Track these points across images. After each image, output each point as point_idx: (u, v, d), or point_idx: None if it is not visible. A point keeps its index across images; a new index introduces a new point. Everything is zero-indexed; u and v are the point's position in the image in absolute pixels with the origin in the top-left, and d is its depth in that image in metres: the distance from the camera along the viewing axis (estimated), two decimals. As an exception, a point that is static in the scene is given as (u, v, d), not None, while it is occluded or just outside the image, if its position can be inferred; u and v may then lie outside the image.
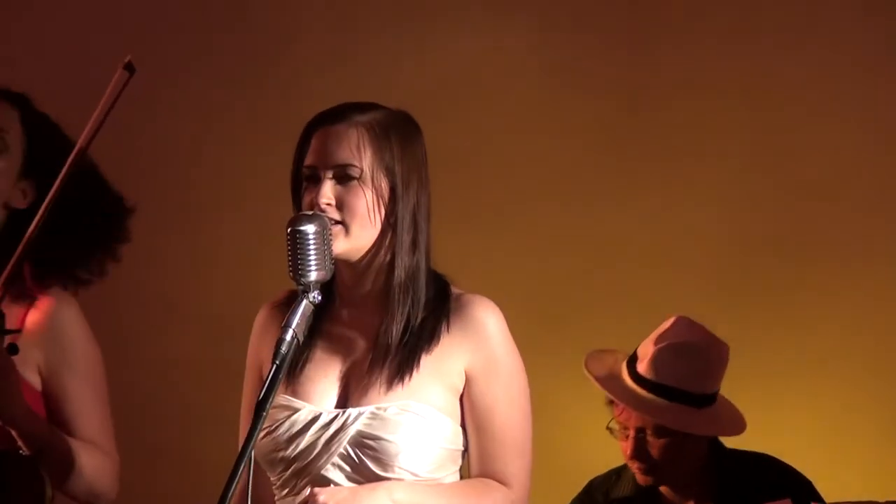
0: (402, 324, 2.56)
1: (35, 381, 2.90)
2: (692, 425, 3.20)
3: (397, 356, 2.54)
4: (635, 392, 3.24)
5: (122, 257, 2.91)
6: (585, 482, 3.54)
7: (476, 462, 2.58)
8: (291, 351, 2.41)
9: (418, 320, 2.56)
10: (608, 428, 3.29)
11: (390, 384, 2.53)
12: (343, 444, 2.52)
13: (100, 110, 2.71)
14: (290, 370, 2.57)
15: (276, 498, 2.60)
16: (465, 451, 2.60)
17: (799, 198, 3.73)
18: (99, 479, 2.89)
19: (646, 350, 3.27)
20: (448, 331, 2.56)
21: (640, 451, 3.23)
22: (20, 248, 2.76)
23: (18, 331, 2.81)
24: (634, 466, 3.26)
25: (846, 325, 3.67)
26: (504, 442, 2.56)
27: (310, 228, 2.44)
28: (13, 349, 2.78)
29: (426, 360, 2.55)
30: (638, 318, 3.49)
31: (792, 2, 3.79)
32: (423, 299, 2.57)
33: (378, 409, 2.52)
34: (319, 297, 2.44)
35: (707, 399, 3.25)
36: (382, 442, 2.51)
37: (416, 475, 2.52)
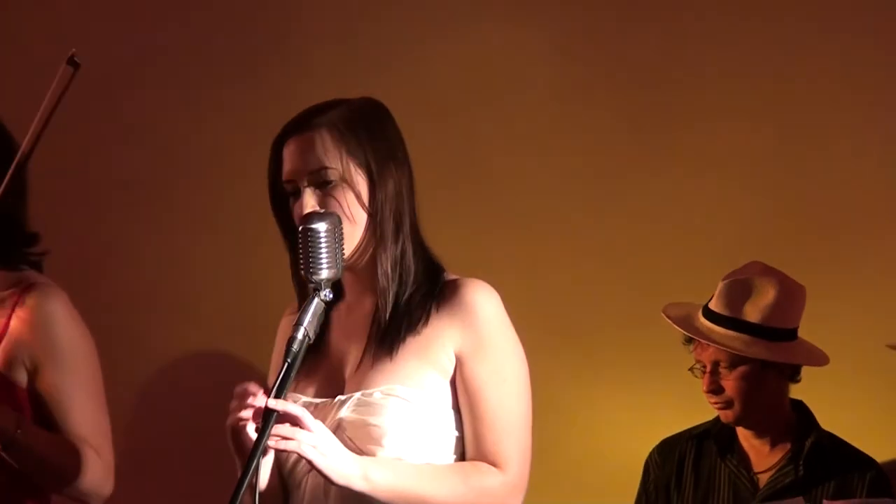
0: (391, 307, 2.56)
1: (21, 378, 2.90)
2: (755, 352, 3.24)
3: (385, 339, 2.55)
4: (706, 326, 3.29)
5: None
6: (591, 480, 3.58)
7: (470, 447, 2.57)
8: (303, 349, 2.41)
9: (404, 300, 2.56)
10: (690, 369, 3.33)
11: (379, 367, 2.54)
12: (333, 431, 2.51)
13: (45, 107, 2.72)
14: (301, 367, 2.55)
15: (289, 493, 2.60)
16: (462, 438, 2.58)
17: (827, 180, 3.72)
18: (86, 478, 2.87)
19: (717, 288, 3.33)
20: (437, 312, 2.56)
21: (715, 385, 3.28)
22: None
23: None
24: (712, 402, 3.30)
25: (877, 308, 3.67)
26: (494, 424, 2.55)
27: (322, 227, 2.44)
28: None
29: (413, 342, 2.55)
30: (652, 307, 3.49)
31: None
32: (410, 280, 2.57)
33: (364, 394, 2.54)
34: (331, 296, 2.44)
35: (780, 333, 3.28)
36: (368, 427, 2.52)
37: (409, 460, 2.52)
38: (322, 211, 2.52)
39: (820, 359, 3.33)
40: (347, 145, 2.56)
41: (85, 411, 2.90)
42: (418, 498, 2.51)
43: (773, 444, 3.32)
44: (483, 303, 2.57)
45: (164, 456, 3.80)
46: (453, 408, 2.58)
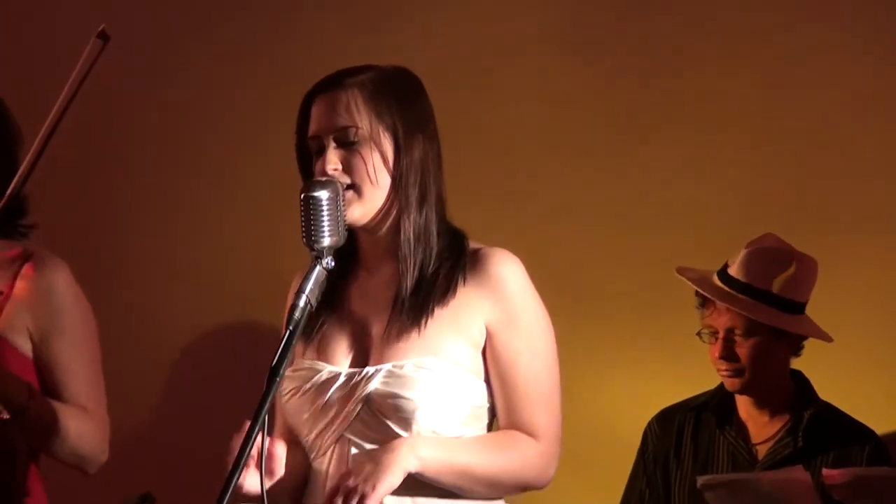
0: (416, 277, 2.56)
1: (25, 346, 2.91)
2: (781, 323, 3.23)
3: (412, 310, 2.55)
4: (726, 290, 3.27)
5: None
6: (598, 444, 3.60)
7: (503, 417, 2.58)
8: (304, 317, 2.42)
9: (430, 271, 2.56)
10: (697, 334, 3.32)
11: (407, 339, 2.54)
12: (361, 404, 2.53)
13: (73, 80, 2.72)
14: (314, 334, 2.60)
15: (310, 461, 2.61)
16: (492, 409, 2.59)
17: (818, 168, 3.73)
18: (85, 443, 2.90)
19: (736, 256, 3.32)
20: (465, 284, 2.56)
21: (728, 352, 3.26)
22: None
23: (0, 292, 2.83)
24: (722, 368, 3.28)
25: (867, 299, 3.68)
26: (529, 394, 2.56)
27: (323, 194, 2.44)
28: None
29: (442, 314, 2.55)
30: (652, 286, 3.50)
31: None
32: (435, 251, 2.57)
33: (395, 366, 2.53)
34: (333, 263, 2.43)
35: (795, 306, 3.29)
36: (400, 400, 2.52)
37: (437, 433, 2.53)
38: (323, 179, 2.51)
39: (825, 333, 3.34)
40: (377, 107, 2.56)
41: (86, 379, 2.92)
42: (464, 470, 2.52)
43: (772, 416, 3.31)
44: (511, 274, 2.57)
45: (175, 422, 3.84)
46: (484, 379, 2.59)
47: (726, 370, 3.29)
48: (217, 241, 3.85)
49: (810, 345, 3.36)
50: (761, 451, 3.31)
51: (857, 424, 3.32)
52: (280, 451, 2.51)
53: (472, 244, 2.62)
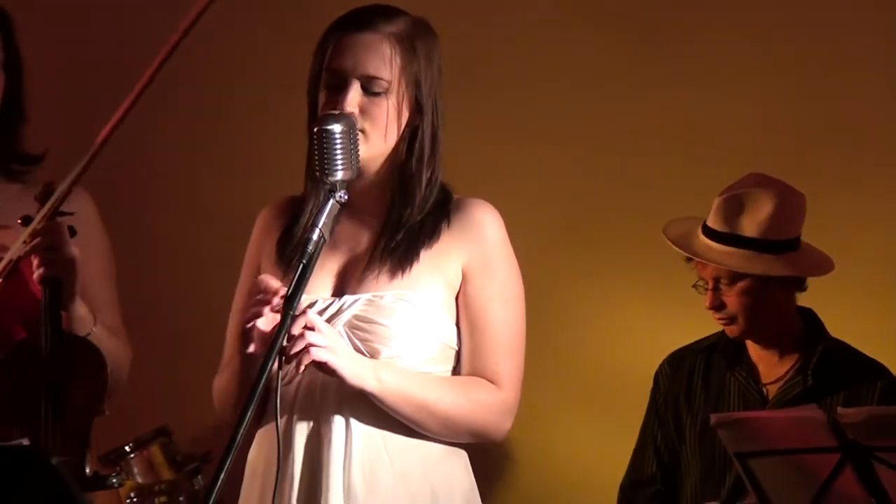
0: (405, 223, 2.58)
1: None
2: (758, 266, 3.22)
3: (397, 250, 2.57)
4: (704, 244, 3.27)
5: None
6: (606, 386, 3.60)
7: (467, 361, 2.60)
8: (319, 251, 2.43)
9: (419, 219, 2.58)
10: (694, 286, 3.31)
11: (390, 275, 2.56)
12: (338, 328, 2.54)
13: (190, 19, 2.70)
14: (289, 263, 2.59)
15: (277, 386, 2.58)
16: (458, 354, 2.61)
17: (842, 92, 3.71)
18: (120, 365, 2.95)
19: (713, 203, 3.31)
20: (448, 228, 2.59)
21: (717, 301, 3.25)
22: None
23: (73, 213, 2.84)
24: (716, 318, 3.28)
25: (889, 228, 3.66)
26: (496, 341, 2.58)
27: (337, 128, 2.45)
28: (73, 231, 2.82)
29: (425, 255, 2.58)
30: (663, 215, 3.49)
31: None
32: (431, 201, 2.60)
33: (375, 296, 2.56)
34: (346, 197, 2.45)
35: (777, 245, 3.25)
36: (377, 326, 2.54)
37: (409, 365, 2.55)
38: (337, 112, 2.51)
39: (823, 267, 3.30)
40: (408, 61, 2.57)
41: (114, 303, 2.98)
42: (421, 403, 2.54)
43: (782, 355, 3.30)
44: (490, 223, 2.61)
45: (184, 348, 3.86)
46: (455, 323, 2.61)
47: (720, 319, 3.28)
48: (239, 181, 3.86)
49: (821, 282, 3.33)
50: (772, 390, 3.31)
51: (869, 361, 3.30)
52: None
53: (455, 196, 2.64)
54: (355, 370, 2.49)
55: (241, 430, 2.32)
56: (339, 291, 2.60)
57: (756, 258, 3.24)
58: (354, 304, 2.56)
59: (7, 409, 2.82)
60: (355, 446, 2.52)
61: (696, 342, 3.42)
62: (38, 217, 2.79)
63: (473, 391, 2.57)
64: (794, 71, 3.72)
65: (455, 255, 2.59)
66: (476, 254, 2.59)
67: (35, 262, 2.79)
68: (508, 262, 2.62)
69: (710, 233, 3.28)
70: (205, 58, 3.89)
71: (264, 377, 2.35)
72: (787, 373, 3.29)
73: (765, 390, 3.32)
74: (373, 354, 2.54)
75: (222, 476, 2.27)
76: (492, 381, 2.58)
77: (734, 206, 3.26)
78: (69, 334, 2.83)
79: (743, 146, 3.71)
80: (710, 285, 3.27)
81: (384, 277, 2.57)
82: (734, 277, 3.24)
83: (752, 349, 3.34)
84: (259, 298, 2.47)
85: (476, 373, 2.59)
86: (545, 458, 3.80)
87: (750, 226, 3.25)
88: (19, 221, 2.82)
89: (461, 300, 2.60)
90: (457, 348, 2.61)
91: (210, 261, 3.82)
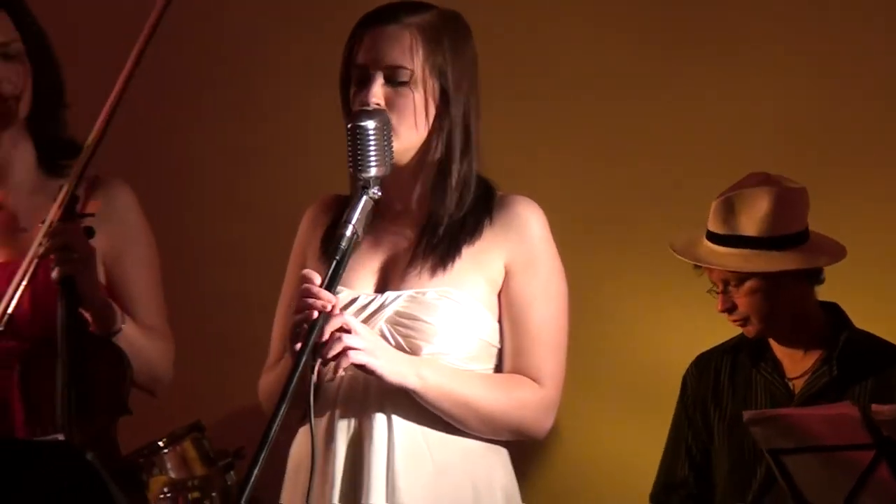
0: (448, 221, 2.57)
1: (99, 268, 2.94)
2: (757, 264, 3.21)
3: (439, 246, 2.56)
4: (708, 248, 3.27)
5: None
6: (629, 384, 3.59)
7: (510, 358, 2.60)
8: (351, 246, 2.43)
9: (461, 215, 2.58)
10: (708, 291, 3.31)
11: (432, 272, 2.56)
12: (379, 325, 2.54)
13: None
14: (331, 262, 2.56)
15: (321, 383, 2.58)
16: (500, 352, 2.61)
17: (862, 93, 3.69)
18: (160, 364, 2.96)
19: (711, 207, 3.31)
20: (490, 225, 2.58)
21: (728, 303, 3.25)
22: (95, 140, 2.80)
23: (92, 215, 2.86)
24: (730, 320, 3.28)
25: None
26: (539, 339, 2.58)
27: (370, 124, 2.45)
28: (90, 232, 2.83)
29: (467, 252, 2.57)
30: (688, 210, 3.48)
31: None
32: (470, 197, 2.59)
33: (417, 292, 2.55)
34: (379, 193, 2.45)
35: (780, 241, 3.24)
36: (420, 322, 2.53)
37: (450, 362, 2.54)
38: (371, 108, 2.51)
39: (831, 255, 3.28)
40: (433, 54, 2.55)
41: (155, 299, 2.99)
42: (463, 400, 2.53)
43: (806, 349, 3.28)
44: (534, 220, 2.60)
45: (223, 344, 3.88)
46: (498, 320, 2.60)
47: (734, 321, 3.28)
48: (282, 179, 3.88)
49: (844, 273, 3.31)
50: (798, 384, 3.29)
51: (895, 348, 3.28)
52: None
53: (499, 192, 2.64)
54: (395, 368, 2.49)
55: (275, 425, 2.32)
56: (381, 287, 2.59)
57: (758, 256, 3.22)
58: (396, 300, 2.55)
59: (30, 409, 2.83)
60: (397, 442, 2.51)
61: (721, 343, 3.42)
62: (49, 217, 2.80)
63: (515, 389, 2.57)
64: (817, 70, 3.70)
65: (498, 253, 2.58)
66: (519, 251, 2.58)
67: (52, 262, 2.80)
68: (551, 259, 2.61)
69: (711, 236, 3.28)
70: (244, 57, 3.92)
71: (297, 374, 2.36)
72: (812, 366, 3.28)
73: (791, 385, 3.30)
74: (414, 351, 2.54)
75: (256, 471, 2.28)
76: (534, 380, 2.58)
77: (731, 206, 3.25)
78: (89, 334, 2.84)
79: (774, 145, 3.70)
80: (720, 288, 3.27)
81: (426, 274, 2.56)
82: (741, 278, 3.23)
83: (775, 345, 3.33)
84: (308, 301, 2.44)
85: (518, 371, 2.58)
86: (580, 459, 3.79)
87: (749, 224, 3.23)
88: (41, 224, 2.84)
89: (504, 298, 2.59)
90: (499, 346, 2.61)
91: (249, 259, 3.83)
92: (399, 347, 2.54)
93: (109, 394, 2.84)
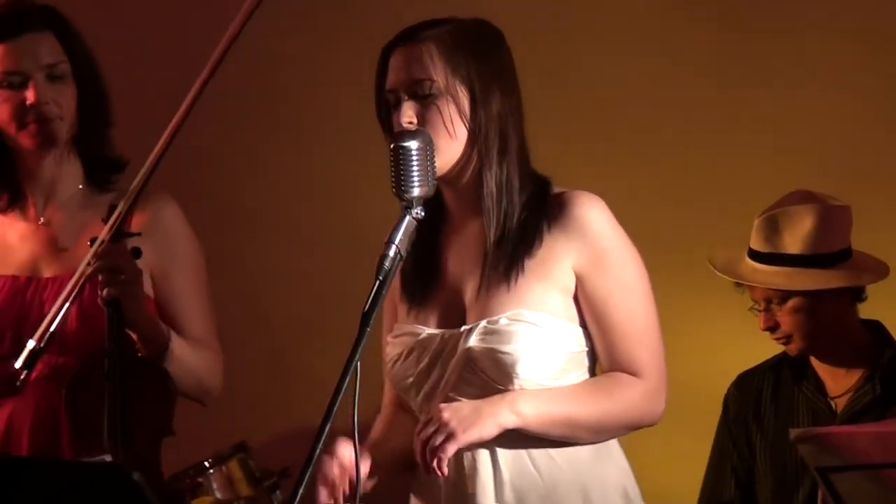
0: (500, 231, 2.55)
1: (147, 283, 2.95)
2: (801, 282, 3.20)
3: (501, 264, 2.54)
4: (749, 266, 3.26)
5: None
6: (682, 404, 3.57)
7: (605, 358, 2.57)
8: (395, 267, 2.43)
9: (514, 223, 2.55)
10: (750, 309, 3.30)
11: (498, 294, 2.53)
12: (461, 363, 2.53)
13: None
14: (415, 295, 2.60)
15: None
16: (591, 353, 2.58)
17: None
18: (209, 376, 2.96)
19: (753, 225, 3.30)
20: (549, 231, 2.55)
21: (771, 322, 3.25)
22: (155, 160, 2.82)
23: (139, 234, 2.87)
24: (773, 338, 3.27)
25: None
26: (626, 332, 2.55)
27: (413, 144, 2.45)
28: (137, 252, 2.85)
29: (531, 265, 2.54)
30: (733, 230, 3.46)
31: None
32: (517, 203, 2.55)
33: (489, 322, 2.52)
34: (422, 213, 2.45)
35: (822, 259, 3.24)
36: (498, 354, 2.51)
37: (539, 384, 2.52)
38: (414, 128, 2.51)
39: (874, 273, 3.27)
40: (453, 61, 2.54)
41: (203, 312, 2.99)
42: (569, 420, 2.52)
43: (848, 367, 3.27)
44: (594, 215, 2.55)
45: (268, 364, 3.89)
46: (580, 325, 2.57)
47: (776, 339, 3.27)
48: (340, 203, 3.90)
49: (888, 291, 3.29)
50: (840, 403, 3.29)
51: None
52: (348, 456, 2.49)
53: (555, 189, 2.60)
54: (490, 423, 2.48)
55: (320, 445, 2.32)
56: (457, 321, 2.57)
57: (801, 274, 3.22)
58: (472, 335, 2.53)
59: (76, 427, 2.85)
60: (504, 471, 2.51)
61: (763, 362, 3.41)
62: (100, 238, 2.82)
63: (617, 390, 2.54)
64: (860, 93, 3.69)
65: (563, 257, 2.54)
66: (584, 252, 2.54)
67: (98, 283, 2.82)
68: (620, 249, 2.56)
69: (754, 255, 3.27)
70: (303, 82, 3.93)
71: (339, 397, 2.36)
72: (855, 384, 3.27)
73: (833, 403, 3.30)
74: (500, 383, 2.52)
75: (301, 491, 2.28)
76: (632, 373, 2.54)
77: (774, 224, 3.25)
78: (134, 355, 2.85)
79: (816, 165, 3.68)
80: (762, 306, 3.26)
81: (494, 298, 2.54)
82: (784, 296, 3.23)
83: (817, 364, 3.32)
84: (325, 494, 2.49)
85: (615, 368, 2.55)
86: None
87: (792, 243, 3.23)
88: (88, 243, 2.85)
89: (581, 300, 2.55)
90: (587, 349, 2.57)
91: (302, 282, 3.84)
92: (487, 382, 2.53)
93: (154, 415, 2.85)
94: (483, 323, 2.53)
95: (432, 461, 2.47)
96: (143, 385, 2.84)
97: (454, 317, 2.58)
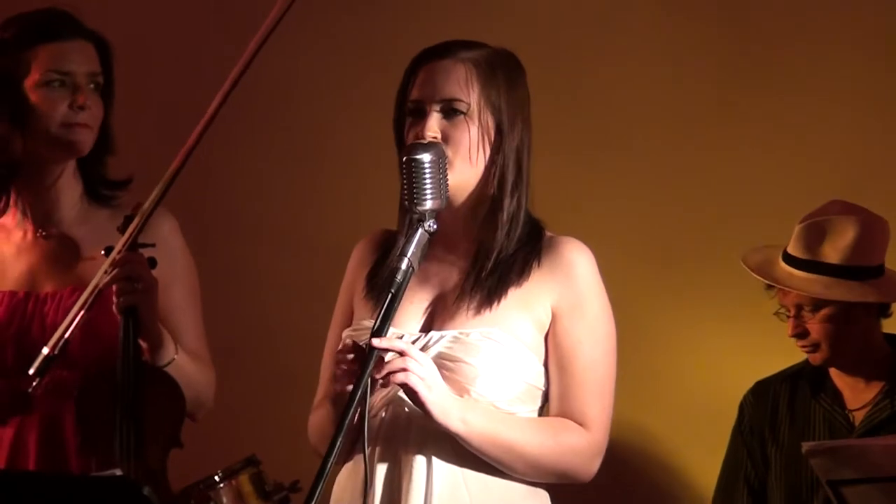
0: (495, 258, 2.56)
1: None
2: (839, 293, 3.20)
3: (486, 285, 2.55)
4: (785, 271, 3.25)
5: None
6: (691, 416, 3.57)
7: (556, 403, 2.57)
8: (407, 280, 2.43)
9: (509, 254, 2.56)
10: (775, 314, 3.29)
11: (477, 311, 2.54)
12: None
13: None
14: (378, 296, 2.59)
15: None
16: (545, 394, 2.59)
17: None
18: (205, 389, 2.97)
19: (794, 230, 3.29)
20: (538, 267, 2.56)
21: (800, 329, 3.25)
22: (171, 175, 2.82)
23: (153, 245, 2.87)
24: (799, 346, 3.27)
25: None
26: (585, 383, 2.55)
27: (426, 157, 2.45)
28: (153, 262, 2.85)
29: (514, 293, 2.55)
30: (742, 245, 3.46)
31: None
32: (517, 235, 2.57)
33: (461, 333, 2.53)
34: (435, 227, 2.45)
35: (860, 272, 3.24)
36: (462, 364, 2.51)
37: (493, 405, 2.52)
38: (426, 142, 2.51)
39: None
40: (486, 85, 2.55)
41: (197, 327, 2.99)
42: (508, 445, 2.51)
43: (868, 381, 3.27)
44: (582, 261, 2.58)
45: (272, 378, 3.89)
46: (543, 364, 2.58)
47: (803, 347, 3.27)
48: (346, 214, 3.89)
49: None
50: (858, 416, 3.28)
51: None
52: None
53: (548, 232, 2.63)
54: (443, 407, 2.47)
55: (332, 459, 2.33)
56: (426, 327, 2.58)
57: (839, 285, 3.22)
58: (440, 340, 2.54)
59: (85, 440, 2.85)
60: (436, 483, 2.50)
61: (781, 371, 3.40)
62: (118, 247, 2.82)
63: (561, 434, 2.54)
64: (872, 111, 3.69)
65: (545, 295, 2.56)
66: (566, 294, 2.56)
67: (114, 291, 2.82)
68: (599, 301, 2.58)
69: (791, 260, 3.27)
70: (306, 89, 3.93)
71: (351, 410, 2.35)
72: (874, 398, 3.27)
73: (851, 416, 3.29)
74: (458, 393, 2.51)
75: (312, 504, 2.28)
76: (580, 424, 2.55)
77: (816, 232, 3.25)
78: (147, 365, 2.85)
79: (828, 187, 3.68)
80: (793, 312, 3.26)
81: (471, 313, 2.55)
82: (817, 305, 3.22)
83: (836, 376, 3.31)
84: (343, 371, 2.46)
85: (564, 414, 2.56)
86: (635, 485, 3.78)
87: (832, 253, 3.23)
88: (102, 252, 2.85)
89: (550, 340, 2.57)
90: (543, 388, 2.58)
91: (312, 295, 3.82)
92: None
93: (164, 426, 2.85)
94: (454, 332, 2.54)
95: (395, 374, 2.43)
96: (155, 395, 2.84)
97: (425, 321, 2.59)
